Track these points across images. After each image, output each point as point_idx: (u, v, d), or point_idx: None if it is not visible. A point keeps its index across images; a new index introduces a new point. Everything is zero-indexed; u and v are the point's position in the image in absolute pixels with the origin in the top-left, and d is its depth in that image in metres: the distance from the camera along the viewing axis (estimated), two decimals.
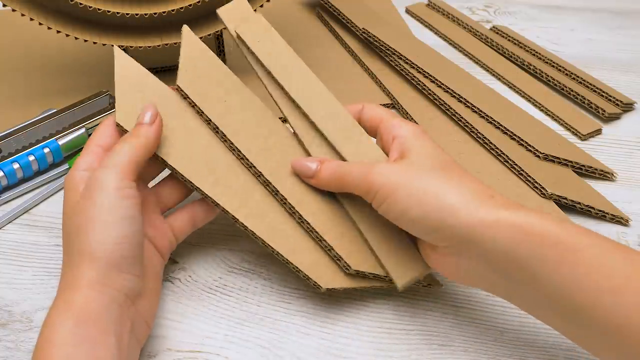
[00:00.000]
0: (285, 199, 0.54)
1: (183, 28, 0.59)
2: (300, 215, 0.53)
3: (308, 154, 0.56)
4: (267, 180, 0.54)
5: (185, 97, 0.57)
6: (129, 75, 0.57)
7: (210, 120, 0.56)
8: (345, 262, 0.52)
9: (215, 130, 0.56)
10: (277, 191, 0.54)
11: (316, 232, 0.53)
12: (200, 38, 0.72)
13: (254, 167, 0.55)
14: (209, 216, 0.56)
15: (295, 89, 0.56)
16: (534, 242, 0.42)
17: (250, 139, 0.56)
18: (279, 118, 0.58)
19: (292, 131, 0.57)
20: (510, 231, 0.43)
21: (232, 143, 0.55)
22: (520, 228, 0.43)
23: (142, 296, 0.48)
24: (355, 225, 0.54)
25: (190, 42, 0.59)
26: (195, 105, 0.56)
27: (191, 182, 0.54)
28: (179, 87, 0.57)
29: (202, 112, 0.56)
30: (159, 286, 0.52)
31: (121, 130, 0.54)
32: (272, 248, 0.53)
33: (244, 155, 0.55)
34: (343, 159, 0.54)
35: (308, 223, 0.53)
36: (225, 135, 0.55)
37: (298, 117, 0.56)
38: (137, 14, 0.69)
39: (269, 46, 0.58)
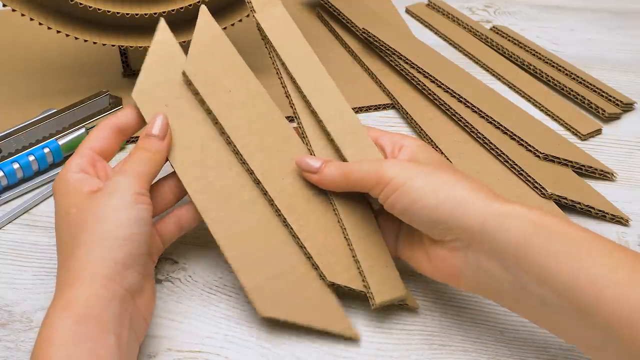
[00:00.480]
0: (273, 201, 0.54)
1: (201, 8, 0.59)
2: (285, 219, 0.53)
3: (310, 153, 0.56)
4: (258, 179, 0.54)
5: (189, 84, 0.56)
6: (162, 54, 0.56)
7: (211, 111, 0.56)
8: (322, 272, 0.52)
9: (215, 121, 0.56)
10: (266, 192, 0.54)
11: (298, 238, 0.53)
12: None
13: (247, 164, 0.55)
14: (195, 220, 0.56)
15: (307, 84, 0.57)
16: (546, 234, 0.43)
17: (249, 135, 0.55)
18: (286, 117, 0.58)
19: (296, 128, 0.57)
20: (523, 223, 0.44)
21: (228, 137, 0.55)
22: (533, 221, 0.44)
23: (141, 293, 0.49)
24: (345, 235, 0.53)
25: (205, 25, 0.58)
26: (198, 93, 0.56)
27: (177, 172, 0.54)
28: (184, 73, 0.56)
29: (204, 102, 0.56)
30: (154, 285, 0.52)
31: (134, 114, 0.55)
32: (226, 258, 0.52)
33: (239, 151, 0.55)
34: (345, 161, 0.54)
35: (291, 228, 0.53)
36: (223, 128, 0.55)
37: (306, 113, 0.57)
38: (137, 14, 0.69)
39: (286, 37, 0.58)
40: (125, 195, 0.48)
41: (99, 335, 0.43)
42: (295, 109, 0.57)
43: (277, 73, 0.59)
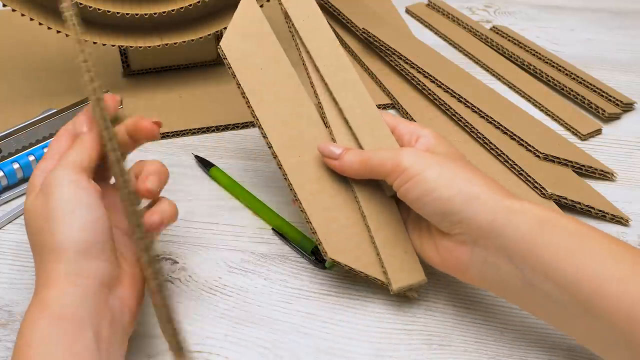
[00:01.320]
0: (286, 175, 0.55)
1: None
2: (295, 194, 0.54)
3: (330, 137, 0.57)
4: (275, 153, 0.55)
5: (224, 58, 0.58)
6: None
7: (240, 84, 0.57)
8: (323, 248, 0.52)
9: (242, 95, 0.57)
10: (281, 166, 0.55)
11: (305, 213, 0.54)
12: (200, 38, 0.72)
13: (267, 137, 0.56)
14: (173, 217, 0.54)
15: (330, 73, 0.58)
16: (551, 230, 0.44)
17: (272, 110, 0.57)
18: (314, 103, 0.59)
19: (320, 112, 0.58)
20: (533, 219, 0.45)
21: (253, 110, 0.56)
22: (543, 218, 0.45)
23: (121, 282, 0.47)
24: (365, 222, 0.54)
25: (247, 4, 0.60)
26: (230, 67, 0.57)
27: None
28: (220, 47, 0.58)
29: (235, 75, 0.57)
30: (137, 273, 0.50)
31: (85, 120, 0.53)
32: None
33: (260, 124, 0.56)
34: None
35: (300, 203, 0.54)
36: (248, 101, 0.56)
37: (329, 102, 0.57)
38: (137, 14, 0.69)
39: (312, 26, 0.59)
40: (62, 189, 0.46)
41: (75, 332, 0.42)
42: (319, 97, 0.58)
43: (302, 61, 0.60)
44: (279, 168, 0.55)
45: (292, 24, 0.60)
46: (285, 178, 0.55)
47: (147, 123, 0.50)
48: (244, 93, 0.57)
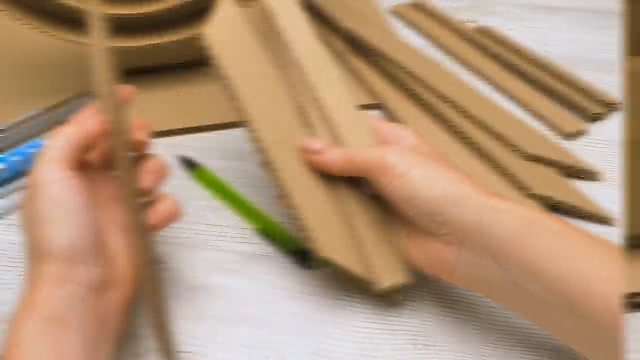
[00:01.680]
0: (275, 171, 0.54)
1: None
2: (285, 190, 0.54)
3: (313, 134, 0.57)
4: (263, 147, 0.55)
5: (207, 48, 0.58)
6: None
7: (225, 75, 0.57)
8: (316, 246, 0.52)
9: (228, 87, 0.57)
10: (269, 161, 0.55)
11: (296, 210, 0.53)
12: (193, 37, 0.72)
13: (255, 131, 0.55)
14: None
15: (312, 73, 0.58)
16: (539, 230, 0.45)
17: (259, 105, 0.56)
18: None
19: (302, 112, 0.58)
20: (518, 219, 0.45)
21: (240, 103, 0.56)
22: (528, 218, 0.45)
23: (112, 285, 0.47)
24: (348, 218, 0.54)
25: (225, 3, 0.60)
26: (215, 58, 0.57)
27: None
28: (204, 37, 0.58)
29: (219, 67, 0.57)
30: (133, 273, 0.49)
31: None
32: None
33: (249, 118, 0.56)
34: None
35: (290, 199, 0.54)
36: (235, 94, 0.56)
37: (310, 100, 0.57)
38: (134, 14, 0.69)
39: (293, 26, 0.60)
40: (46, 190, 0.45)
41: (62, 334, 0.42)
42: (301, 97, 0.58)
43: (283, 61, 0.60)
44: (267, 164, 0.55)
45: (273, 24, 0.60)
46: (273, 174, 0.55)
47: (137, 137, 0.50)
48: (230, 85, 0.57)
